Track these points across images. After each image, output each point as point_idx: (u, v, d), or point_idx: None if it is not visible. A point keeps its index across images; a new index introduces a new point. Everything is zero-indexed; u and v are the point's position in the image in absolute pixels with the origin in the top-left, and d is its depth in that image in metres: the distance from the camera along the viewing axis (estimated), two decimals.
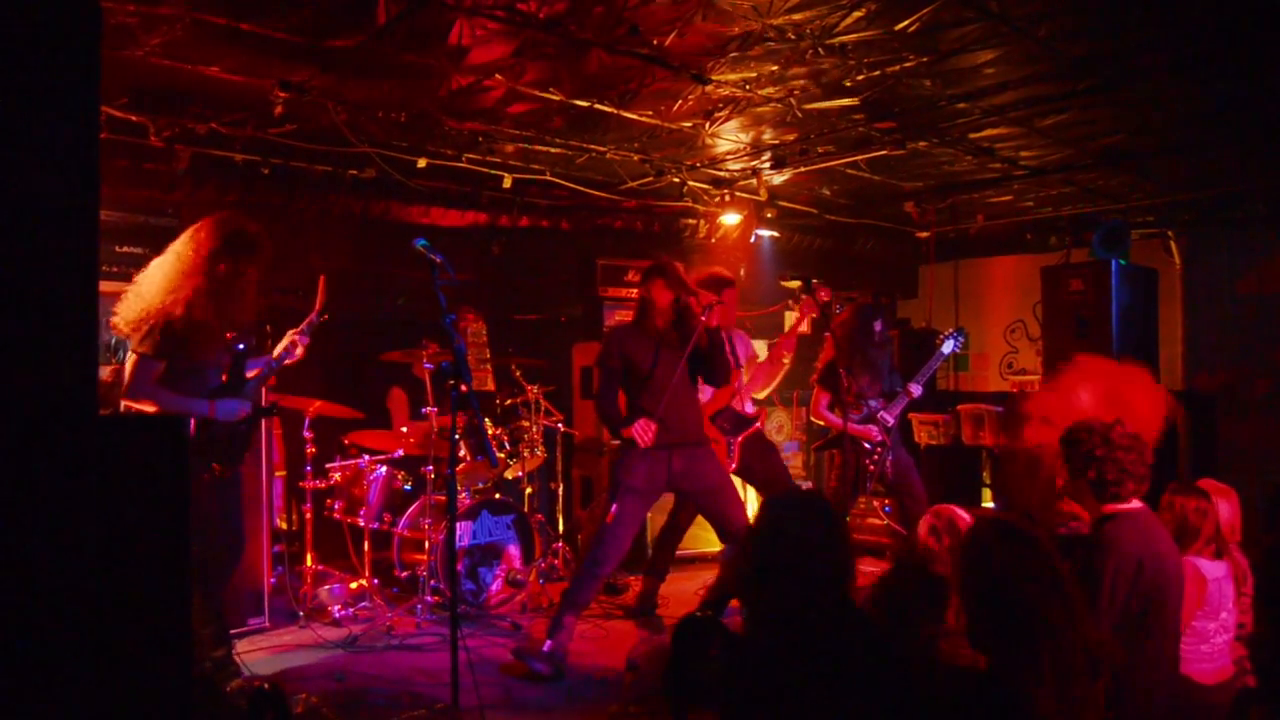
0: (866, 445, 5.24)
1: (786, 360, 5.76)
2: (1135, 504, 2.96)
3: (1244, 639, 3.39)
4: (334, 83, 4.62)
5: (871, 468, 5.24)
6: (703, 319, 4.33)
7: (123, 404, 3.54)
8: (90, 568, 1.34)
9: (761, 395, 6.04)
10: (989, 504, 6.88)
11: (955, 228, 8.15)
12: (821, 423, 5.56)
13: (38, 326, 1.39)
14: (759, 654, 2.06)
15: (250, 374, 3.78)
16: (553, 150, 5.84)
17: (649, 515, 6.44)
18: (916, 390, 5.28)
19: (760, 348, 6.15)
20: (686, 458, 4.37)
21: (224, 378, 3.67)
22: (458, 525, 5.07)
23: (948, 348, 5.43)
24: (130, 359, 3.49)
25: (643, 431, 4.23)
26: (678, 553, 6.49)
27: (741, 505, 4.54)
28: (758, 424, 5.44)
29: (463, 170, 6.00)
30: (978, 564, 2.14)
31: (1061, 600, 2.06)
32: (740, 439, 5.33)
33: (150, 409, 3.48)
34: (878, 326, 5.34)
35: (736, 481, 5.23)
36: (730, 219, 7.28)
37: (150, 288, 3.48)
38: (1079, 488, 3.04)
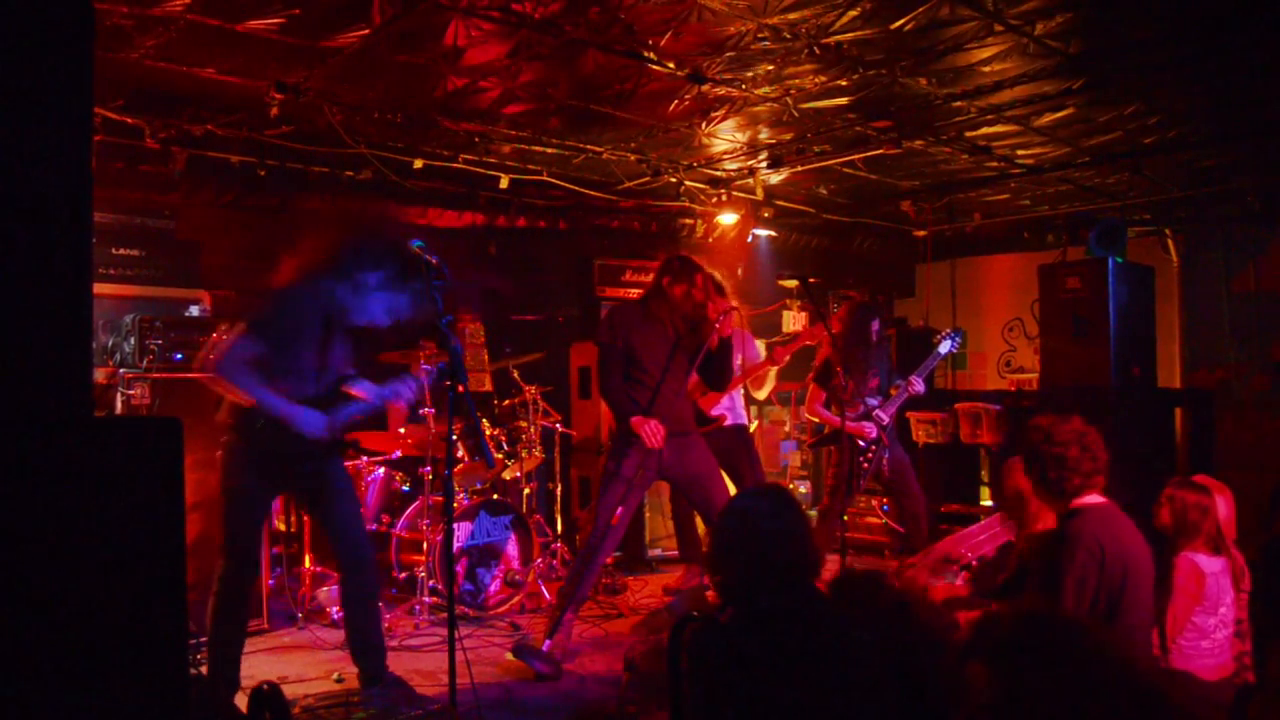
0: (861, 443, 5.24)
1: (768, 385, 5.79)
2: (1095, 498, 2.95)
3: (1243, 635, 3.40)
4: (330, 84, 4.62)
5: (866, 465, 5.24)
6: (716, 326, 4.31)
7: (210, 377, 3.37)
8: (85, 570, 1.34)
9: (761, 395, 6.05)
10: (987, 502, 6.89)
11: (952, 226, 8.16)
12: (816, 419, 5.58)
13: (31, 328, 1.39)
14: (723, 635, 2.07)
15: (353, 393, 3.55)
16: (549, 151, 5.84)
17: (648, 514, 6.51)
18: (918, 384, 5.27)
19: (761, 348, 6.17)
20: (676, 447, 4.35)
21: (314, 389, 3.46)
22: (456, 526, 5.07)
23: (945, 348, 5.44)
24: (235, 329, 3.35)
25: (652, 434, 4.21)
26: (667, 552, 6.55)
27: (727, 494, 4.53)
28: (714, 425, 5.46)
29: (459, 171, 5.99)
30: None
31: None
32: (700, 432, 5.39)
33: (228, 392, 3.33)
34: (874, 325, 5.35)
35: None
36: (727, 218, 7.28)
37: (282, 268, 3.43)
38: (1039, 489, 3.05)
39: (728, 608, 2.15)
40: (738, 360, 5.65)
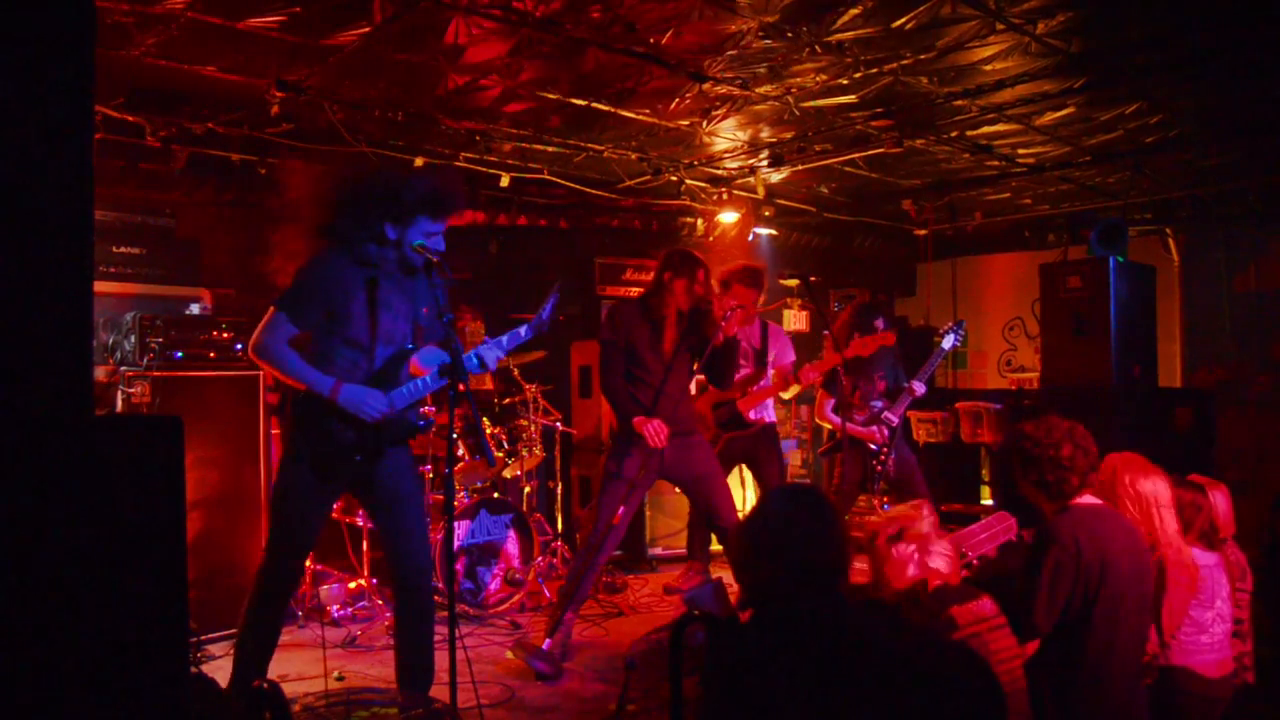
0: (873, 447, 5.20)
1: (794, 388, 5.73)
2: (1086, 498, 2.95)
3: (1243, 635, 3.39)
4: (330, 82, 4.62)
5: (878, 468, 5.21)
6: (721, 325, 4.29)
7: (250, 353, 3.15)
8: (84, 569, 1.34)
9: (787, 396, 6.01)
10: (988, 501, 6.88)
11: (953, 225, 8.16)
12: (828, 426, 5.53)
13: (32, 327, 1.39)
14: (742, 634, 2.05)
15: (417, 371, 3.24)
16: (550, 149, 5.84)
17: (649, 512, 6.50)
18: (919, 388, 5.25)
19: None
20: (677, 446, 4.34)
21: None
22: (456, 524, 5.07)
23: (948, 342, 5.41)
24: (269, 310, 3.12)
25: (655, 433, 4.20)
26: (671, 551, 6.54)
27: (729, 494, 4.51)
28: (753, 429, 5.44)
29: (460, 169, 5.99)
30: None
31: None
32: (728, 435, 5.36)
33: (267, 369, 3.14)
34: (879, 324, 5.33)
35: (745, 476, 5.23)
36: (728, 217, 7.28)
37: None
38: (1030, 492, 3.03)
39: (748, 608, 2.11)
40: (771, 358, 5.61)
